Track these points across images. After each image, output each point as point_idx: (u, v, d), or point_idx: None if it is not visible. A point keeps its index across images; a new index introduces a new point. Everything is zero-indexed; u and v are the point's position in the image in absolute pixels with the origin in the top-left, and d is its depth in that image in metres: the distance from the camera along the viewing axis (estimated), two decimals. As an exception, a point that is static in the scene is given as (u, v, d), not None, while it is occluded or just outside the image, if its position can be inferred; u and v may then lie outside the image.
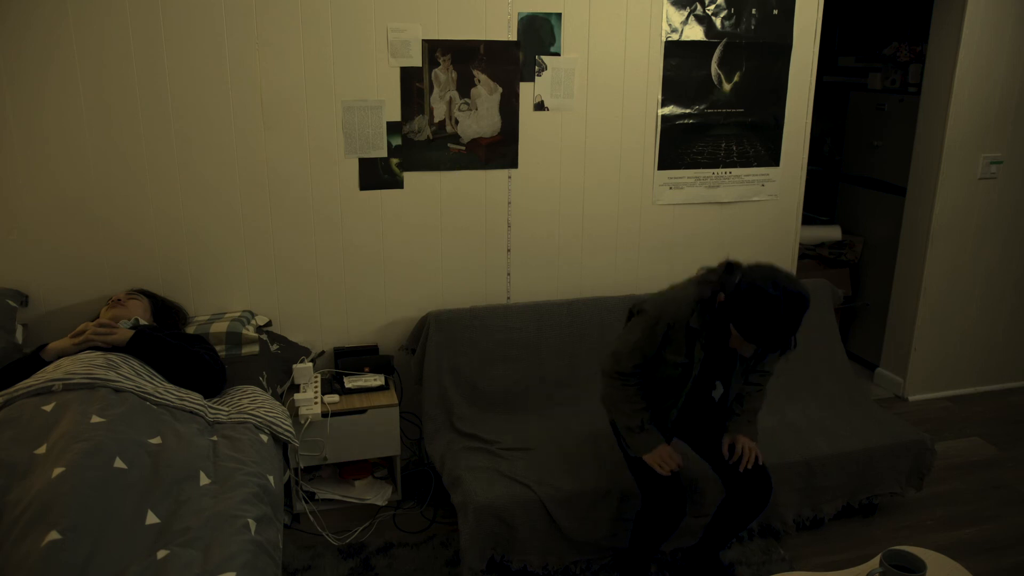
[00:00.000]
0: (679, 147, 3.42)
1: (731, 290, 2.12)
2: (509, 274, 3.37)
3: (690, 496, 2.65)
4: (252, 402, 2.56)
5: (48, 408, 2.09)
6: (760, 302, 2.02)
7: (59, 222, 2.81)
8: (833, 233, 4.54)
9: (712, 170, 3.49)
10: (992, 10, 3.58)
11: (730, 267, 2.19)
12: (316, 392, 2.94)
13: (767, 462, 2.73)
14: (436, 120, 3.09)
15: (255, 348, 2.85)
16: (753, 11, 3.35)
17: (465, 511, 2.47)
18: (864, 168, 4.52)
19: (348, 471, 3.09)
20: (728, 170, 3.51)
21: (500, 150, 3.20)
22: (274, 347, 2.97)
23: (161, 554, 1.77)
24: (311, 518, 2.89)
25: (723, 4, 3.30)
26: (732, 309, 2.10)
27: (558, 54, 3.16)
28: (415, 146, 3.09)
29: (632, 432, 2.36)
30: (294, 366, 2.97)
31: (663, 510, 2.35)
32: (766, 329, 2.04)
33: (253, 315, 3.02)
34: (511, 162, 3.23)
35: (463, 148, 3.15)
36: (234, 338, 2.82)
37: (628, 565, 2.53)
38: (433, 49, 3.01)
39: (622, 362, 2.33)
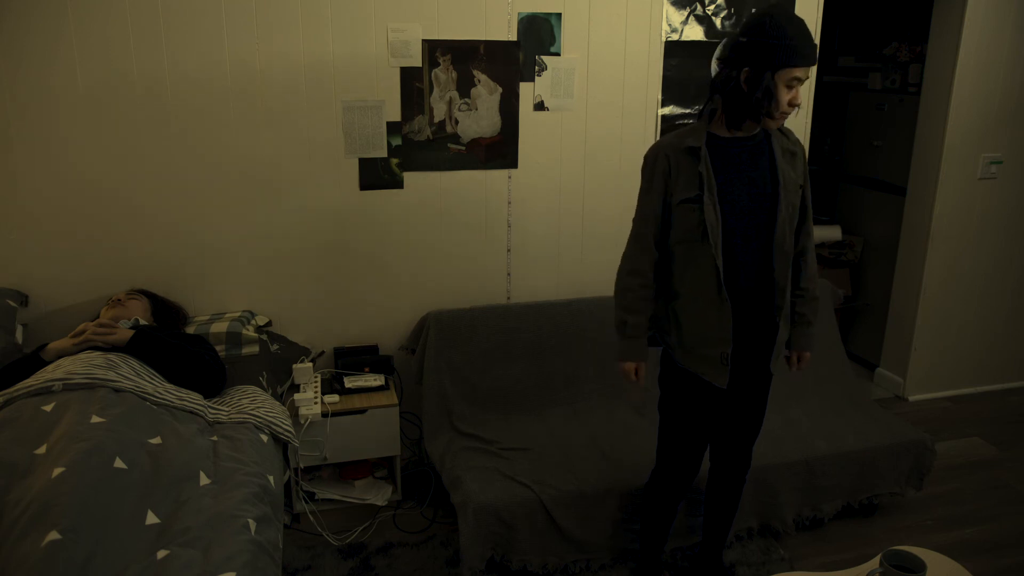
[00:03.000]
0: (679, 147, 3.42)
1: (743, 56, 1.97)
2: (509, 274, 3.37)
3: (692, 494, 2.66)
4: (252, 402, 2.56)
5: (48, 408, 2.09)
6: (773, 21, 1.93)
7: (59, 222, 2.81)
8: (833, 233, 4.54)
9: (712, 170, 3.49)
10: (992, 10, 3.58)
11: (722, 63, 2.04)
12: (316, 392, 2.94)
13: (766, 462, 2.73)
14: (436, 120, 3.09)
15: (255, 348, 2.85)
16: (753, 11, 3.34)
17: (465, 511, 2.47)
18: (864, 168, 4.52)
19: (348, 471, 3.09)
20: (728, 170, 3.51)
21: (500, 150, 3.20)
22: (274, 347, 2.97)
23: (161, 554, 1.77)
24: (311, 518, 2.89)
25: (723, 4, 3.30)
26: (761, 57, 1.93)
27: (558, 54, 3.16)
28: (415, 146, 3.09)
29: (618, 331, 2.23)
30: (294, 366, 2.97)
31: (677, 466, 2.33)
32: (793, 29, 1.91)
33: (253, 315, 3.02)
34: (511, 162, 3.23)
35: (463, 148, 3.15)
36: (234, 338, 2.82)
37: (642, 548, 2.54)
38: (433, 49, 3.01)
39: (629, 259, 2.19)
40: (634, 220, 2.21)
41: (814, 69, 2.02)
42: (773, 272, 2.13)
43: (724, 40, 2.08)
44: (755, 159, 2.09)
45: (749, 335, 2.18)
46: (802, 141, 3.56)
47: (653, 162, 2.13)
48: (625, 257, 2.22)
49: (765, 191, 2.09)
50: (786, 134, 2.16)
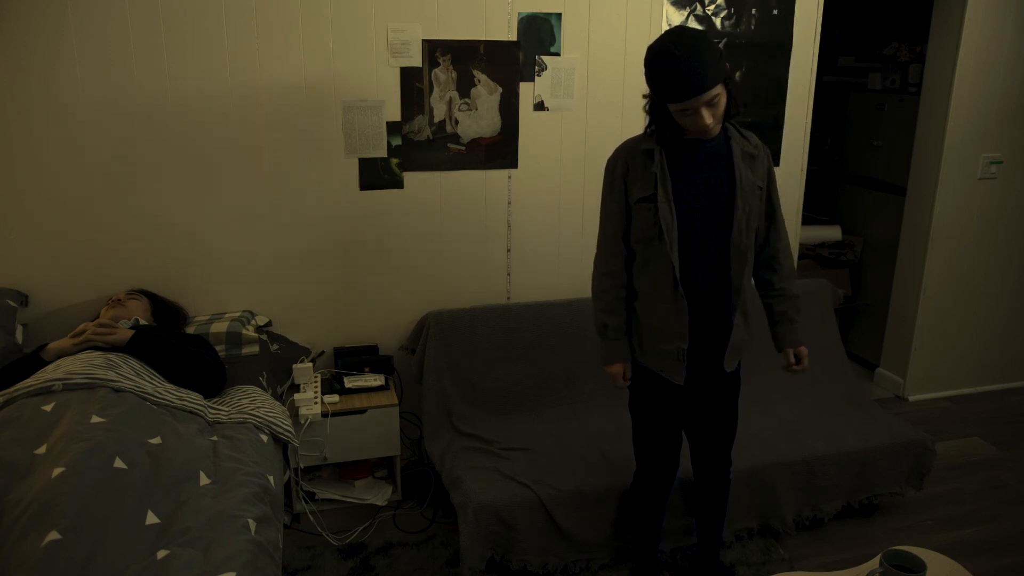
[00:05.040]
0: (679, 147, 3.42)
1: None
2: (509, 274, 3.37)
3: (686, 494, 2.66)
4: (252, 402, 2.56)
5: (48, 408, 2.09)
6: (649, 55, 1.95)
7: (59, 222, 2.81)
8: (833, 233, 4.54)
9: (712, 170, 3.49)
10: (992, 10, 3.58)
11: None
12: (316, 392, 2.94)
13: (765, 462, 2.74)
14: (436, 120, 3.09)
15: (255, 348, 2.85)
16: (753, 11, 3.35)
17: (465, 511, 2.47)
18: (864, 168, 4.52)
19: (348, 471, 3.09)
20: (728, 170, 3.51)
21: (500, 150, 3.20)
22: (274, 347, 2.97)
23: (161, 554, 1.77)
24: (311, 518, 2.89)
25: (723, 4, 3.30)
26: (648, 82, 1.99)
27: (558, 54, 3.16)
28: (415, 146, 3.09)
29: (600, 336, 2.28)
30: (294, 366, 2.97)
31: (654, 466, 2.35)
32: (663, 73, 1.90)
33: (253, 315, 3.02)
34: (511, 162, 3.23)
35: (463, 148, 3.15)
36: (234, 338, 2.82)
37: (635, 545, 2.55)
38: (433, 49, 3.01)
39: (600, 263, 2.24)
40: (600, 224, 2.25)
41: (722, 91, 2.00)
42: (729, 272, 2.15)
43: None
44: (713, 161, 2.11)
45: (706, 334, 2.20)
46: (803, 142, 3.59)
47: (613, 166, 2.19)
48: (597, 261, 2.27)
49: (722, 192, 2.11)
50: (747, 137, 2.18)
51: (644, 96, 2.10)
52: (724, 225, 2.12)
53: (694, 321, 2.17)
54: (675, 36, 1.92)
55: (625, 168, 2.16)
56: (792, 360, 2.33)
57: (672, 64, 1.89)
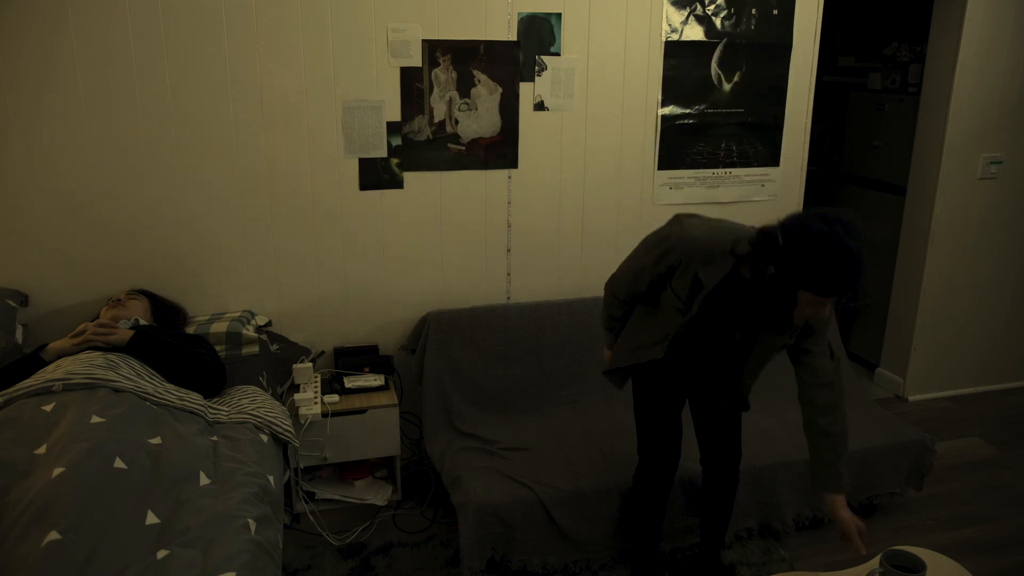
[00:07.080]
0: (679, 147, 3.42)
1: (776, 253, 1.80)
2: (509, 274, 3.37)
3: (688, 494, 2.66)
4: (252, 402, 2.56)
5: (48, 408, 2.09)
6: (814, 242, 1.74)
7: (59, 222, 2.81)
8: (833, 233, 4.53)
9: (712, 170, 3.49)
10: (992, 10, 3.58)
11: (764, 235, 1.86)
12: (316, 392, 2.94)
13: (766, 462, 2.74)
14: (436, 120, 3.09)
15: (255, 348, 2.85)
16: (753, 11, 3.35)
17: (465, 511, 2.47)
18: (864, 168, 4.51)
19: (348, 471, 3.09)
20: (728, 170, 3.51)
21: (500, 150, 3.20)
22: (274, 347, 2.97)
23: (161, 554, 1.77)
24: (311, 518, 2.89)
25: (723, 4, 3.30)
26: (788, 269, 1.79)
27: (558, 54, 3.16)
28: (415, 146, 3.09)
29: (606, 328, 2.42)
30: (294, 366, 2.97)
31: (656, 456, 2.39)
32: (835, 268, 1.73)
33: (253, 315, 3.02)
34: (511, 162, 3.23)
35: (463, 148, 3.15)
36: (234, 338, 2.82)
37: (636, 545, 2.56)
38: (433, 49, 3.01)
39: (618, 285, 2.28)
40: (631, 259, 2.25)
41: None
42: (741, 378, 2.25)
43: (782, 228, 1.83)
44: (754, 304, 2.03)
45: (708, 381, 2.32)
46: (803, 142, 3.58)
47: (669, 248, 2.09)
48: (616, 280, 2.32)
49: (747, 332, 2.15)
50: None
51: (756, 250, 1.88)
52: (739, 355, 2.20)
53: (695, 372, 2.30)
54: (849, 231, 1.75)
55: (677, 263, 2.07)
56: (835, 515, 2.10)
57: (849, 261, 1.74)
